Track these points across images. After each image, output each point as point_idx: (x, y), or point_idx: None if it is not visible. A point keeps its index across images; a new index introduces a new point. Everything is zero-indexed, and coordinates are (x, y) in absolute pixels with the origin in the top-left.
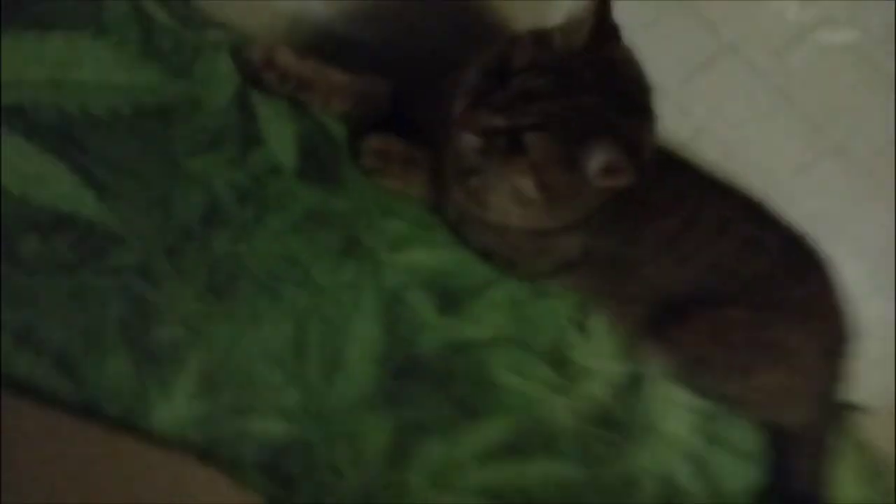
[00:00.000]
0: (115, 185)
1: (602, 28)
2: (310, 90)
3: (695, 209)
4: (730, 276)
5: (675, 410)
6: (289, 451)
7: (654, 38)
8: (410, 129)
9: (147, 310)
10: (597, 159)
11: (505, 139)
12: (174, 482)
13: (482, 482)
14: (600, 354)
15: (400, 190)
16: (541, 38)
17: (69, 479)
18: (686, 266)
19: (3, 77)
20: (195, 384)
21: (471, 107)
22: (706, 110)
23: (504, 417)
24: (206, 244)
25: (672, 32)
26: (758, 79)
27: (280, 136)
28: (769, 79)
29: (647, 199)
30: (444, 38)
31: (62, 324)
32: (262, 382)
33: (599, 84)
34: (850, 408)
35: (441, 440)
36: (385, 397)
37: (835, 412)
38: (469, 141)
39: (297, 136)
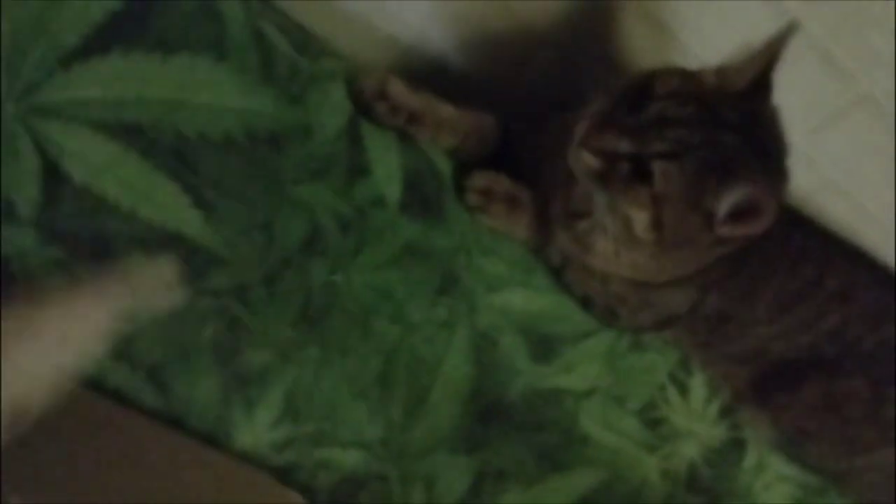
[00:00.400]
0: (222, 208)
1: (765, 78)
2: (420, 123)
3: (819, 272)
4: (850, 345)
5: (773, 481)
6: (365, 484)
7: (785, 85)
8: (517, 169)
9: (240, 333)
10: (727, 201)
11: (628, 166)
12: (252, 500)
13: None
14: (698, 416)
15: (503, 229)
16: (689, 73)
17: (152, 485)
18: (804, 331)
19: (126, 95)
20: (279, 409)
21: (596, 128)
22: (835, 164)
23: (589, 471)
24: (303, 272)
25: (804, 80)
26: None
27: (386, 169)
28: None
29: (769, 257)
30: (557, 78)
31: (159, 340)
32: (346, 414)
33: (743, 129)
34: None
35: (521, 489)
36: (468, 440)
37: None
38: (588, 162)
39: (403, 169)
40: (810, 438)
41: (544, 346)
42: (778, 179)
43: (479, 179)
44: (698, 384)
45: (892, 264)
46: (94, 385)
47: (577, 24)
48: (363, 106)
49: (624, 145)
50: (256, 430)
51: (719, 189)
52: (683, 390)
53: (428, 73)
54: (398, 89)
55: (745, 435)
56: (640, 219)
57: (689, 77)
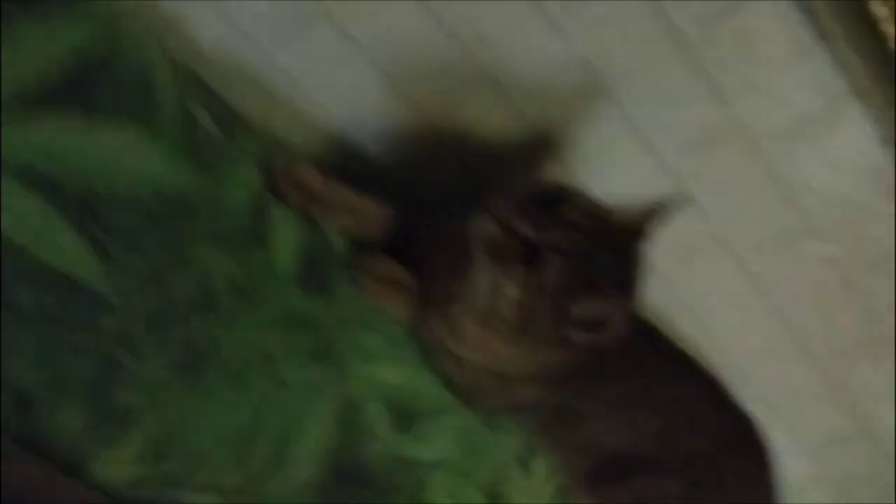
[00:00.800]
0: (118, 256)
1: (646, 228)
2: (325, 208)
3: (652, 379)
4: (673, 449)
5: None
6: None
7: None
8: (404, 254)
9: (116, 372)
10: (585, 308)
11: (518, 247)
12: None
13: None
14: (537, 495)
15: (385, 307)
16: (596, 201)
17: None
18: (633, 430)
19: (43, 146)
20: (140, 448)
21: (508, 203)
22: (690, 292)
23: None
24: (188, 325)
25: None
26: (740, 271)
27: (285, 242)
28: (750, 272)
29: (610, 360)
30: (458, 180)
31: (34, 369)
32: (208, 459)
33: (620, 256)
34: None
35: None
36: (321, 495)
37: None
38: (489, 229)
39: (300, 246)
40: None
41: (405, 418)
42: (630, 303)
43: (370, 261)
44: (540, 466)
45: (726, 380)
46: None
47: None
48: (275, 189)
49: (527, 229)
50: (116, 465)
51: (582, 296)
52: (526, 469)
53: (342, 157)
54: (311, 178)
55: None
56: (510, 295)
57: (596, 203)
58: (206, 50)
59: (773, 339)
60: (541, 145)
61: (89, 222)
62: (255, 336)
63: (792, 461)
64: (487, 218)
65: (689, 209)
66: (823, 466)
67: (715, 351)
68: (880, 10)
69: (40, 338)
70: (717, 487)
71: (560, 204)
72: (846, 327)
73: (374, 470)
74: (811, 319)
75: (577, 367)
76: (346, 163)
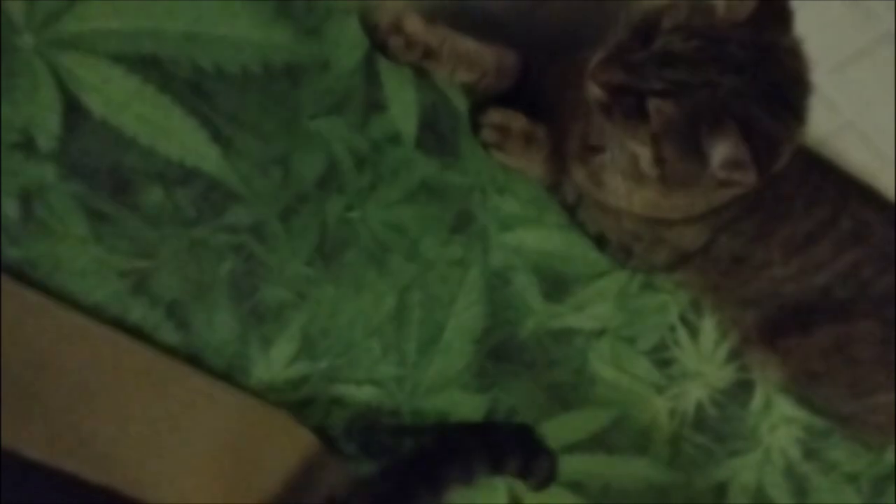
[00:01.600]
0: (239, 143)
1: (770, 4)
2: (436, 59)
3: (833, 213)
4: (862, 288)
5: (778, 422)
6: (378, 420)
7: (804, 23)
8: (535, 106)
9: (257, 269)
10: (719, 150)
11: (631, 100)
12: (267, 437)
13: (567, 473)
14: (707, 357)
15: (518, 167)
16: (698, 5)
17: (167, 421)
18: (817, 273)
19: (142, 27)
20: (295, 347)
21: (605, 60)
22: (855, 105)
23: (597, 410)
24: (319, 208)
25: (825, 19)
26: None
27: (402, 105)
28: None
29: (784, 197)
30: (577, 16)
31: (177, 276)
32: (360, 351)
33: (752, 68)
34: None
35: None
36: (480, 378)
37: None
38: (595, 94)
39: (419, 105)
40: (819, 380)
41: (556, 286)
42: (789, 123)
43: (496, 116)
44: (709, 326)
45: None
46: (113, 321)
47: None
48: (378, 41)
49: (624, 80)
50: (273, 366)
51: (711, 136)
52: (693, 332)
53: (449, 10)
54: (414, 24)
55: (753, 377)
56: (643, 155)
57: (697, 9)
58: None
59: None
60: None
61: (202, 105)
62: (390, 214)
63: None
64: (589, 82)
65: None
66: None
67: (891, 178)
68: None
69: (177, 241)
70: None
71: (660, 30)
72: None
73: (533, 345)
74: None
75: (747, 207)
76: (451, 15)
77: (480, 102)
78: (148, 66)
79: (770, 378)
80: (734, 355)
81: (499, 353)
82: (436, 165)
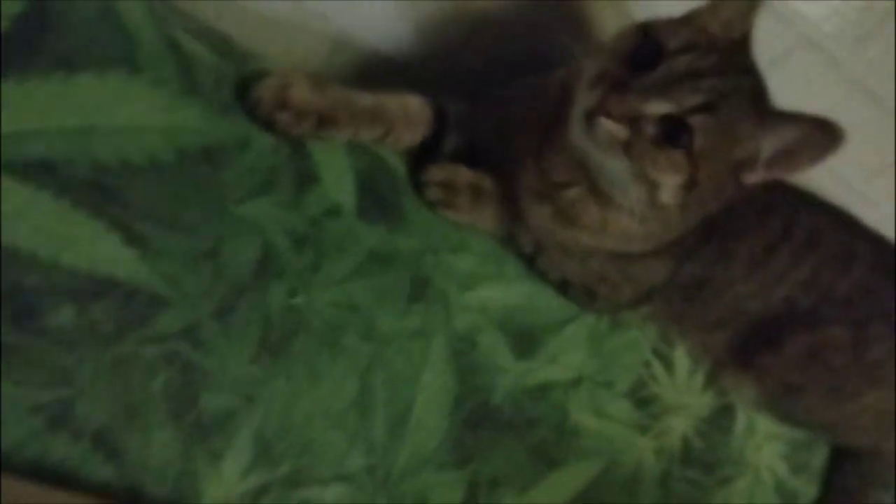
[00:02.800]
0: (158, 241)
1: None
2: (334, 125)
3: (786, 223)
4: (825, 292)
5: (762, 441)
6: None
7: None
8: (467, 154)
9: (195, 377)
10: (771, 143)
11: (654, 129)
12: None
13: None
14: (685, 388)
15: (469, 222)
16: (689, 24)
17: None
18: (779, 285)
19: (28, 126)
20: (249, 455)
21: (616, 91)
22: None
23: (584, 463)
24: (259, 299)
25: None
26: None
27: (336, 174)
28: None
29: (738, 216)
30: (495, 54)
31: (102, 400)
32: (323, 447)
33: (752, 73)
34: None
35: (517, 494)
36: (457, 452)
37: None
38: (614, 132)
39: (354, 171)
40: (798, 393)
41: (525, 340)
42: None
43: (438, 172)
44: (681, 356)
45: (846, 208)
46: (29, 466)
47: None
48: (262, 119)
49: (653, 107)
50: (226, 482)
51: (758, 131)
52: (668, 364)
53: (359, 65)
54: (300, 92)
55: (732, 400)
56: (671, 183)
57: (693, 28)
58: None
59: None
60: None
61: (111, 207)
62: (338, 293)
63: None
64: (601, 120)
65: None
66: None
67: (824, 179)
68: None
69: (98, 362)
70: (885, 318)
71: (656, 52)
72: None
73: (509, 407)
74: None
75: (707, 232)
76: (362, 70)
77: (419, 159)
78: (41, 171)
79: (747, 398)
80: (710, 381)
81: (474, 421)
82: (381, 233)
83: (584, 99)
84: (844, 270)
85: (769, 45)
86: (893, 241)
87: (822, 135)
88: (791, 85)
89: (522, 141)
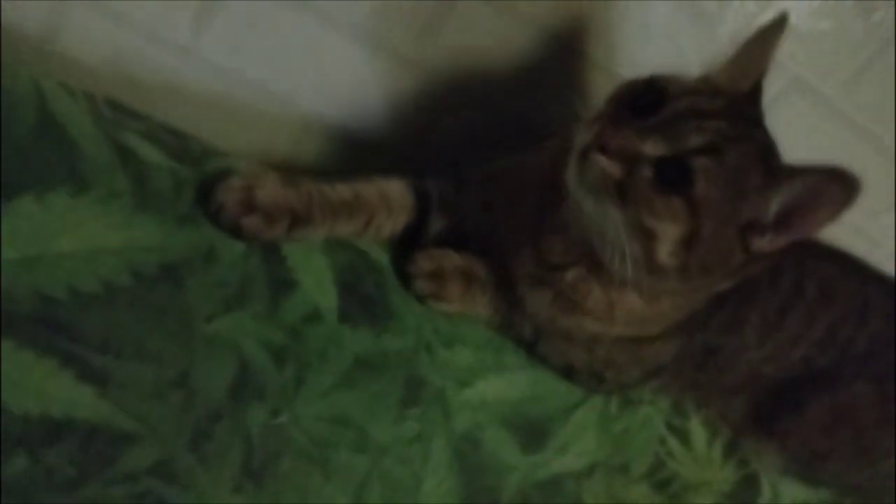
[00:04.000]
0: (119, 374)
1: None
2: (308, 223)
3: (796, 280)
4: (843, 350)
5: None
6: None
7: None
8: (454, 237)
9: None
10: (781, 197)
11: (651, 172)
12: None
13: None
14: (705, 461)
15: (461, 312)
16: (696, 77)
17: None
18: (794, 346)
19: None
20: None
21: (612, 127)
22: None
23: None
24: (238, 423)
25: None
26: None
27: (314, 275)
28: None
29: (748, 279)
30: (472, 128)
31: None
32: None
33: (760, 123)
34: None
35: None
36: None
37: None
38: (608, 169)
39: (333, 270)
40: (825, 458)
41: (532, 433)
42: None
43: (425, 262)
44: (697, 427)
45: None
46: None
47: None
48: (227, 226)
49: (650, 147)
50: None
51: (766, 187)
52: (684, 438)
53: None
54: (269, 191)
55: (755, 469)
56: (670, 235)
57: (699, 79)
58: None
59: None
60: (566, 51)
61: (62, 342)
62: (325, 406)
63: None
64: (596, 157)
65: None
66: None
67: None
68: None
69: None
70: None
71: (659, 102)
72: None
73: None
74: None
75: (717, 303)
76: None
77: (403, 246)
78: None
79: (771, 464)
80: (730, 451)
81: None
82: (368, 335)
83: (579, 138)
84: (861, 323)
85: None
86: None
87: (835, 185)
88: (785, 128)
89: (515, 221)
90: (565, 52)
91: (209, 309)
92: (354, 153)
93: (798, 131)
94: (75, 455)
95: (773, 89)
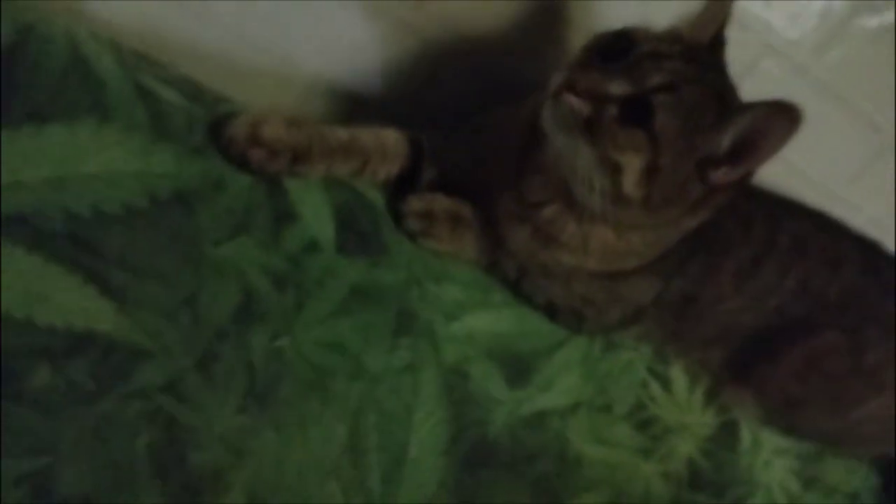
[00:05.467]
0: (136, 291)
1: (722, 32)
2: (307, 161)
3: (769, 231)
4: (817, 298)
5: (770, 457)
6: None
7: None
8: (445, 184)
9: (180, 434)
10: (730, 133)
11: (616, 109)
12: None
13: None
14: (686, 406)
15: (450, 251)
16: (662, 29)
17: None
18: (769, 295)
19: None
20: None
21: (580, 70)
22: None
23: (589, 496)
24: (242, 345)
25: None
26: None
27: (314, 210)
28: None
29: (722, 229)
30: (465, 87)
31: (85, 465)
32: (319, 498)
33: (719, 69)
34: None
35: None
36: (457, 491)
37: None
38: (577, 107)
39: (332, 206)
40: (799, 405)
41: (518, 368)
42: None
43: (416, 203)
44: (678, 374)
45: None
46: None
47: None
48: (235, 157)
49: (615, 86)
50: None
51: (719, 122)
52: (666, 383)
53: (334, 106)
54: (274, 129)
55: (735, 416)
56: (634, 166)
57: (665, 30)
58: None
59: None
60: (550, 12)
61: (87, 258)
62: (323, 332)
63: None
64: (566, 96)
65: None
66: None
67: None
68: None
69: (78, 424)
70: (878, 321)
71: (627, 49)
72: None
73: (507, 441)
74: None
75: (691, 248)
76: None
77: (397, 191)
78: (12, 226)
79: (749, 413)
80: (711, 398)
81: (472, 459)
82: (363, 267)
83: (553, 81)
84: (833, 275)
85: (735, 56)
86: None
87: (780, 116)
88: (760, 94)
89: (498, 166)
90: (550, 13)
91: (217, 234)
92: (355, 111)
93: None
94: (94, 368)
95: (746, 56)
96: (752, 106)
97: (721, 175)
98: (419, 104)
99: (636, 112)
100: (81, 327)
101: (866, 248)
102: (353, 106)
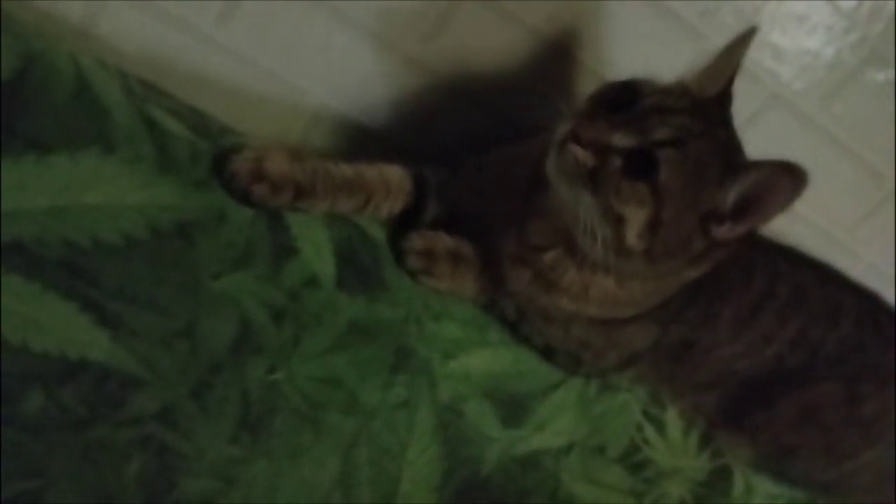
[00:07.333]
0: (132, 321)
1: (731, 84)
2: (311, 196)
3: (770, 281)
4: (815, 348)
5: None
6: None
7: None
8: (447, 222)
9: (171, 461)
10: (737, 189)
11: (621, 161)
12: None
13: None
14: (680, 450)
15: (450, 289)
16: (669, 82)
17: None
18: (767, 345)
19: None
20: None
21: (586, 120)
22: None
23: None
24: (237, 376)
25: None
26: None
27: (315, 244)
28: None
29: (722, 276)
30: (471, 124)
31: (74, 490)
32: None
33: (726, 124)
34: None
35: None
36: None
37: None
38: (581, 158)
39: (333, 241)
40: (793, 453)
41: (513, 408)
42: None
43: (418, 241)
44: (673, 417)
45: (825, 260)
46: None
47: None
48: (238, 192)
49: (620, 139)
50: None
51: (724, 179)
52: (660, 426)
53: (339, 138)
54: (277, 164)
55: (728, 461)
56: (637, 218)
57: (672, 82)
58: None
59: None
60: (559, 55)
61: (84, 287)
62: (319, 366)
63: None
64: (570, 147)
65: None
66: None
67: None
68: None
69: (68, 449)
70: (875, 373)
71: (633, 101)
72: None
73: (499, 479)
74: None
75: (691, 295)
76: (342, 142)
77: (399, 228)
78: (10, 253)
79: (743, 459)
80: (705, 443)
81: (464, 496)
82: (362, 303)
83: (559, 131)
84: (832, 326)
85: (741, 105)
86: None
87: (785, 177)
88: (765, 144)
89: (502, 207)
90: (558, 56)
91: (217, 267)
92: (360, 144)
93: (777, 146)
94: (87, 395)
95: (753, 106)
96: (757, 164)
97: (724, 231)
98: (425, 140)
99: (641, 165)
100: (76, 355)
101: (866, 300)
102: (359, 139)
